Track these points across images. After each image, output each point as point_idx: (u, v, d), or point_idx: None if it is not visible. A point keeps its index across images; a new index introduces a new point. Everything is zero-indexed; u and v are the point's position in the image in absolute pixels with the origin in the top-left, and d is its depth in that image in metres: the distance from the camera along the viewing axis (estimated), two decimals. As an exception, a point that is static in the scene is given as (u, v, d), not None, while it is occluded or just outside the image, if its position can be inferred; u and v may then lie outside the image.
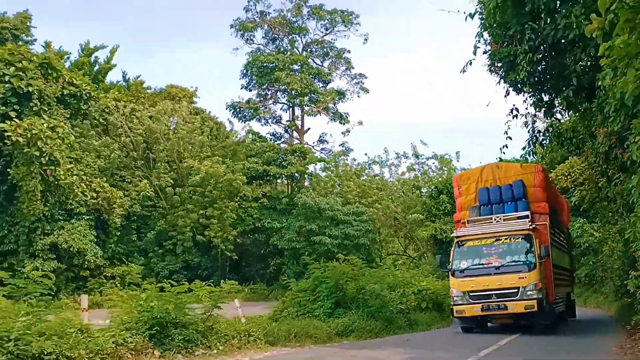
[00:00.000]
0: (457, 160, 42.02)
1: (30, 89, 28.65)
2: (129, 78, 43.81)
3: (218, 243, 33.68)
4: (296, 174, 38.53)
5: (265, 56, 37.99)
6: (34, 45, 38.19)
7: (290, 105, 39.66)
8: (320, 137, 42.21)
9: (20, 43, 36.37)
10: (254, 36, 39.51)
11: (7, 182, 28.67)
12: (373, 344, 14.36)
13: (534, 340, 15.82)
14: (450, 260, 18.95)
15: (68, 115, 31.15)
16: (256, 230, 36.49)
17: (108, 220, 31.73)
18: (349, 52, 42.32)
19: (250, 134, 39.04)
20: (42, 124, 28.11)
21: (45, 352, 8.85)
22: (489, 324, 19.08)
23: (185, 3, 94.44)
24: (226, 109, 39.02)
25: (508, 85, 14.39)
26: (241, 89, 39.04)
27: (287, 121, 40.23)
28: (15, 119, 27.85)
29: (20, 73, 28.63)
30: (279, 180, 39.97)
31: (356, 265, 18.88)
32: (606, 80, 7.76)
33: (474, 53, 14.07)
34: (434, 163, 41.39)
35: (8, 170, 28.14)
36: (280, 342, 13.39)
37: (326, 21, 40.58)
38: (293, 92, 38.30)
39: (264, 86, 38.51)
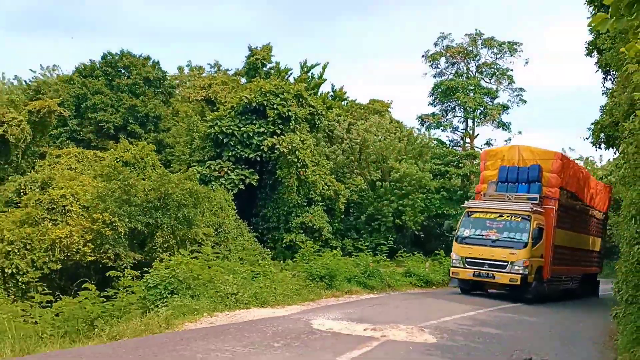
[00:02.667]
0: (600, 163, 47.99)
1: (289, 113, 37.48)
2: (335, 89, 52.49)
3: (410, 225, 41.58)
4: (468, 173, 45.66)
5: (448, 81, 45.05)
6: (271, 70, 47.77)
7: (465, 118, 46.62)
8: (487, 141, 48.38)
9: (265, 69, 45.88)
10: (439, 63, 46.78)
11: (271, 179, 37.99)
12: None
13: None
14: (457, 227, 19.76)
15: (309, 129, 39.97)
16: (438, 215, 43.96)
17: (334, 206, 40.38)
18: (511, 70, 48.32)
19: (434, 141, 46.59)
20: (297, 138, 36.94)
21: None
22: (489, 290, 19.66)
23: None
24: (416, 119, 46.98)
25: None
26: (428, 105, 46.39)
27: (462, 130, 46.98)
28: (281, 135, 36.97)
29: (283, 102, 37.58)
30: (453, 176, 47.21)
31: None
32: None
33: None
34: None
35: (274, 170, 37.40)
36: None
37: (495, 49, 46.89)
38: (468, 108, 45.29)
39: (446, 104, 45.85)
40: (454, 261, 19.29)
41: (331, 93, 51.30)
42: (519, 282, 17.89)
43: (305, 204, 38.30)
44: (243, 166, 36.47)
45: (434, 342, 10.39)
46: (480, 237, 18.81)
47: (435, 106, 45.91)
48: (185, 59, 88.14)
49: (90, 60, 39.91)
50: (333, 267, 18.07)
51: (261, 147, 36.33)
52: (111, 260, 23.72)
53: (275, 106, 36.89)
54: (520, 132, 48.00)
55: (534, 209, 18.53)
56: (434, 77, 46.62)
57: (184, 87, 43.69)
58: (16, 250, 22.81)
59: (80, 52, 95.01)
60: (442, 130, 46.89)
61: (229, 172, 35.62)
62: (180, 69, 45.96)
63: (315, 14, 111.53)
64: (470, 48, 46.68)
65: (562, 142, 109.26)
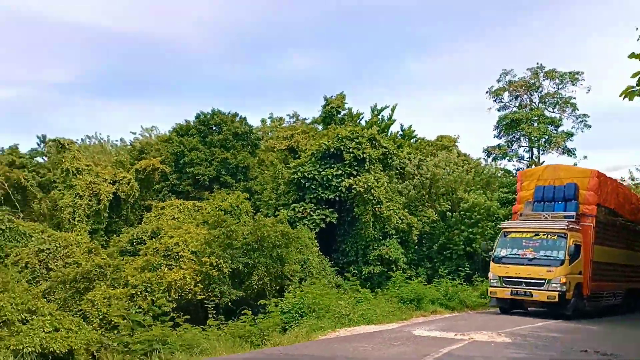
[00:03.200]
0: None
1: (364, 155, 41.49)
2: (404, 128, 56.56)
3: (480, 252, 44.65)
4: (536, 199, 48.52)
5: (512, 114, 48.34)
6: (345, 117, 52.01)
7: (530, 147, 49.64)
8: (552, 168, 51.29)
9: (339, 116, 50.25)
10: (502, 97, 50.23)
11: (349, 216, 41.98)
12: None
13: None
14: (494, 247, 20.35)
15: (382, 169, 43.86)
16: (508, 242, 46.91)
17: (408, 238, 43.89)
18: (574, 98, 50.15)
19: (501, 171, 49.76)
20: (372, 178, 40.85)
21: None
22: (529, 308, 20.28)
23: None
24: (483, 152, 50.19)
25: None
26: (494, 137, 49.71)
27: (527, 159, 49.94)
28: (357, 176, 41.03)
29: (358, 145, 41.69)
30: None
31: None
32: None
33: None
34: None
35: (352, 208, 41.40)
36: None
37: (557, 80, 49.63)
38: (532, 138, 48.37)
39: (511, 135, 49.12)
40: (491, 281, 19.96)
41: (400, 132, 55.31)
42: (557, 299, 18.41)
43: (381, 237, 41.78)
44: (323, 206, 40.37)
45: (509, 342, 13.90)
46: (517, 256, 19.36)
47: (500, 138, 49.19)
48: (260, 107, 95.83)
49: (185, 120, 45.58)
50: (420, 291, 21.91)
51: (339, 188, 40.18)
52: (217, 297, 27.48)
53: (351, 150, 40.86)
54: (585, 157, 49.75)
55: (570, 226, 19.06)
56: (498, 110, 49.95)
57: (267, 138, 48.67)
58: (139, 293, 27.06)
59: (169, 112, 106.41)
60: (508, 160, 50.03)
61: (312, 213, 39.63)
62: (263, 121, 51.48)
63: (380, 55, 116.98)
64: (533, 81, 49.65)
65: (631, 161, 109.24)
